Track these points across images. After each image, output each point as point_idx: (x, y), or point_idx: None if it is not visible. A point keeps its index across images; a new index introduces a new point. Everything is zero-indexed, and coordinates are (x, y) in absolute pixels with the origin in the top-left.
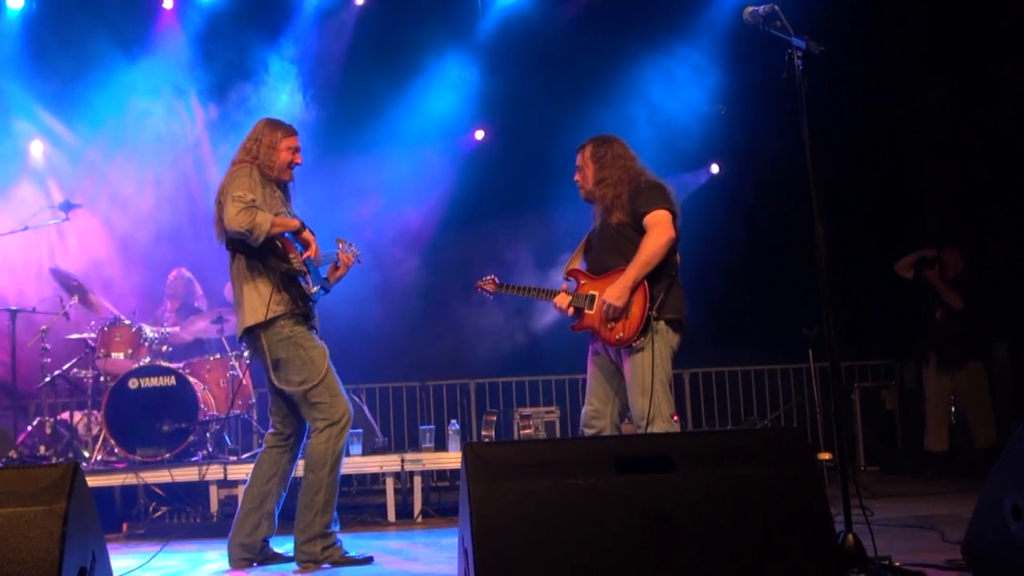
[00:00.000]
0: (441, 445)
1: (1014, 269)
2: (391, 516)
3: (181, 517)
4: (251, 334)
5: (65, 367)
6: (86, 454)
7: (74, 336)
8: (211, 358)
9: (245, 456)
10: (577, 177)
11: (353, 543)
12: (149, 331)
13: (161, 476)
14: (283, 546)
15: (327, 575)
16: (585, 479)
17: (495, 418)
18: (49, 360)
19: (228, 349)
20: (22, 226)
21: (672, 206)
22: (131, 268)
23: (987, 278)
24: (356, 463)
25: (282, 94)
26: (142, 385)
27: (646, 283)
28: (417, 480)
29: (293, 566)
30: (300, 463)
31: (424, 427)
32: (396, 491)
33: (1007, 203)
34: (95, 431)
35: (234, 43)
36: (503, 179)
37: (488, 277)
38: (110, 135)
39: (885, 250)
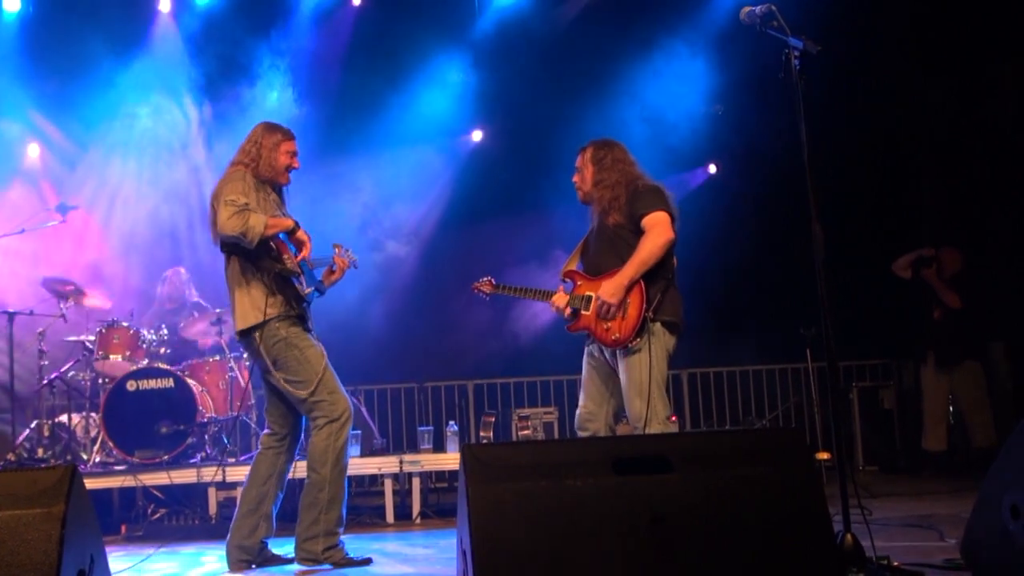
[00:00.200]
0: (439, 446)
1: (1012, 268)
2: (389, 517)
3: (179, 519)
4: (247, 336)
5: (63, 369)
6: (84, 456)
7: (72, 338)
8: (210, 360)
9: (243, 458)
10: (575, 178)
11: (351, 544)
12: (147, 333)
13: (159, 478)
14: (282, 548)
15: None
16: (583, 480)
17: (493, 419)
18: (47, 362)
19: (227, 351)
20: (19, 228)
21: (671, 209)
22: (129, 270)
23: (985, 277)
24: (354, 464)
25: (279, 95)
26: (140, 387)
27: (643, 284)
28: (415, 481)
29: (292, 568)
30: (299, 464)
31: (422, 428)
32: (394, 492)
33: (1006, 203)
34: (93, 433)
35: (230, 45)
36: (501, 180)
37: (485, 279)
38: (107, 136)
39: (883, 250)
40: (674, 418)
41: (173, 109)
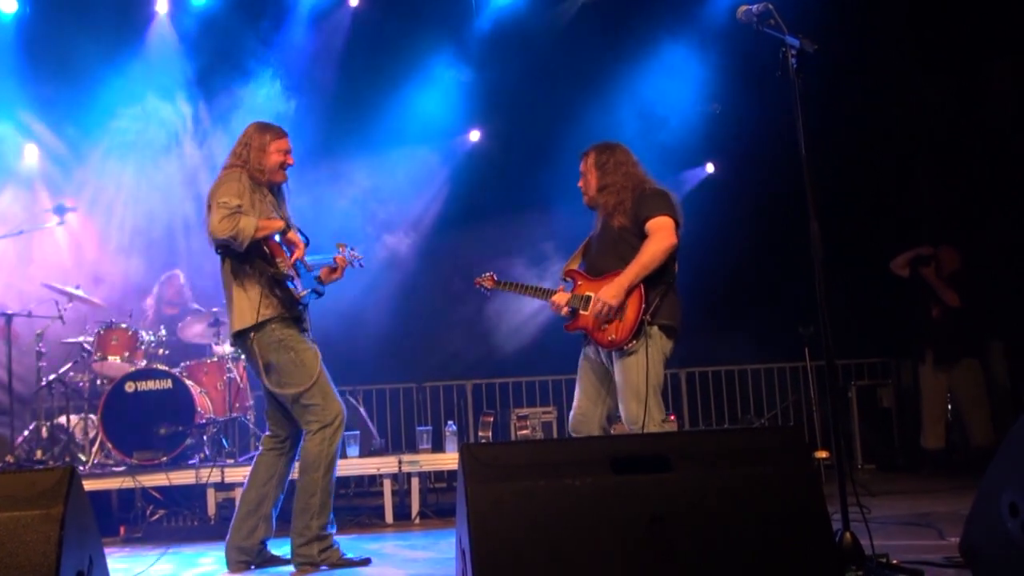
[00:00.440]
0: (438, 446)
1: (1010, 267)
2: (388, 518)
3: (178, 520)
4: (242, 338)
5: (61, 370)
6: (83, 458)
7: (70, 340)
8: (208, 361)
9: (242, 459)
10: (580, 184)
11: (350, 545)
12: (145, 334)
13: (158, 479)
14: (281, 549)
15: None
16: (582, 479)
17: (492, 419)
18: (45, 364)
19: (226, 352)
20: (17, 230)
21: (676, 214)
22: (126, 271)
23: (983, 276)
24: (353, 465)
25: (277, 97)
26: (139, 388)
27: (642, 287)
28: (414, 481)
29: (291, 569)
30: (296, 466)
31: (421, 428)
32: (393, 493)
33: (1004, 201)
34: (92, 435)
35: (227, 46)
36: (499, 180)
37: (487, 274)
38: (105, 138)
39: (881, 248)
40: (672, 417)
41: (170, 110)
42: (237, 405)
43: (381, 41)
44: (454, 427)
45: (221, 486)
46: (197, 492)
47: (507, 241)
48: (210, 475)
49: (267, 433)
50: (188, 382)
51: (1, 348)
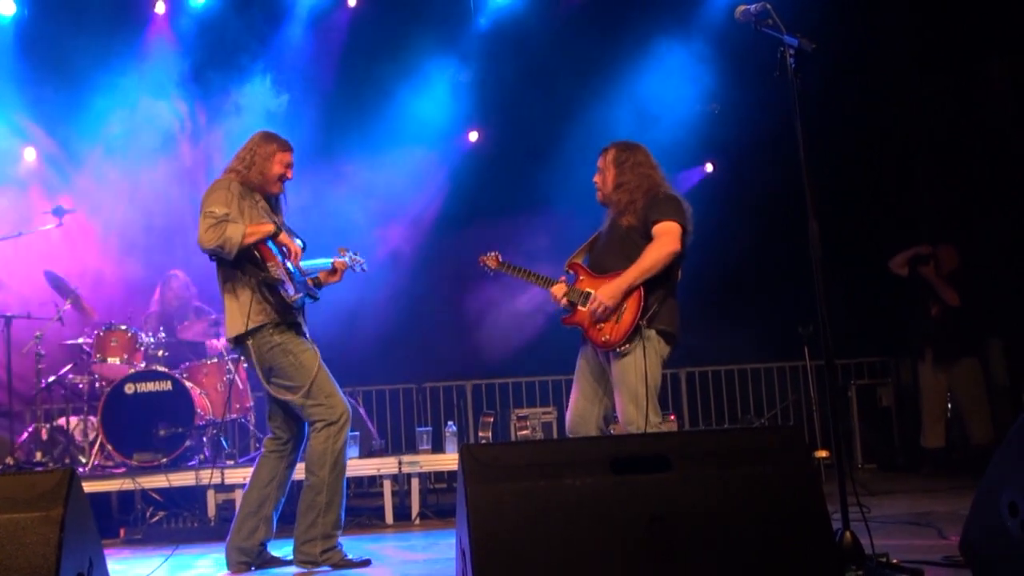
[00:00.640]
0: (438, 447)
1: (1009, 266)
2: (389, 518)
3: (178, 522)
4: (240, 343)
5: (61, 372)
6: (83, 459)
7: (69, 341)
8: (208, 362)
9: (242, 460)
10: (596, 179)
11: (351, 546)
12: (145, 336)
13: (158, 481)
14: (281, 550)
15: None
16: (582, 479)
17: (492, 419)
18: (44, 366)
19: (225, 353)
20: (16, 232)
21: (685, 222)
22: (126, 273)
23: (982, 275)
24: (353, 466)
25: (275, 98)
26: (138, 390)
27: (642, 291)
28: (414, 482)
29: (291, 570)
30: (300, 465)
31: (421, 429)
32: (393, 493)
33: (1003, 200)
34: (91, 436)
35: (226, 48)
36: (497, 180)
37: (492, 253)
38: (103, 140)
39: (880, 247)
40: (672, 417)
41: (169, 112)
42: (237, 406)
43: (379, 41)
44: (454, 428)
45: (221, 487)
46: (197, 494)
47: (507, 241)
48: (210, 476)
49: (269, 435)
50: (188, 383)
51: (0, 349)
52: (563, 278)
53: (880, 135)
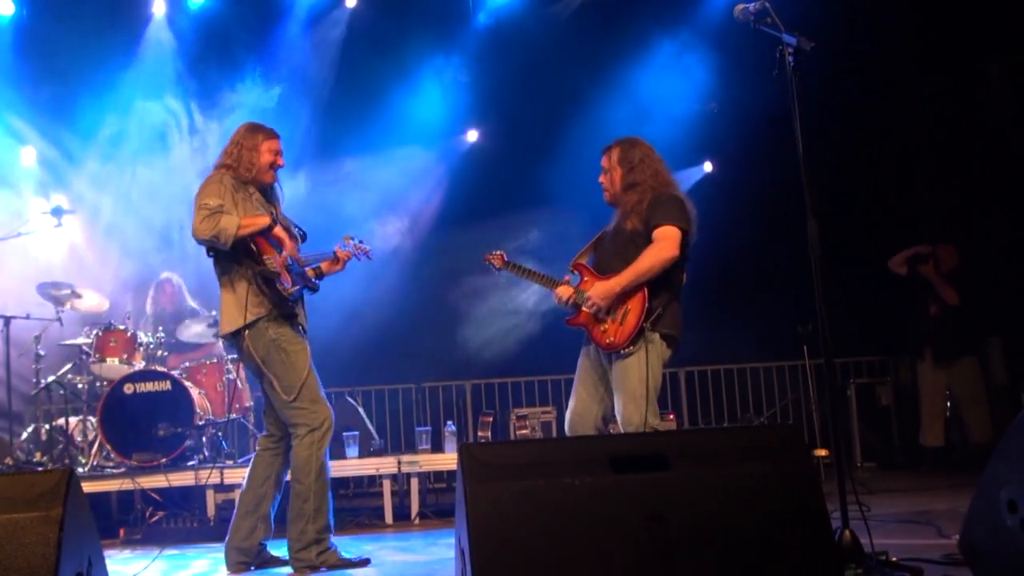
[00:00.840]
0: (437, 446)
1: (1009, 265)
2: (388, 518)
3: (178, 522)
4: (235, 338)
5: (60, 373)
6: (82, 460)
7: (68, 342)
8: (207, 362)
9: (242, 460)
10: (603, 179)
11: (350, 545)
12: (144, 336)
13: (157, 481)
14: (280, 549)
15: None
16: (581, 479)
17: (491, 419)
18: (43, 366)
19: (224, 353)
20: (15, 232)
21: (687, 226)
22: (125, 273)
23: (982, 274)
24: (353, 465)
25: (273, 98)
26: (138, 390)
27: (647, 294)
28: (414, 482)
29: (290, 570)
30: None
31: (420, 429)
32: (393, 493)
33: (1003, 200)
34: (91, 436)
35: (225, 48)
36: (497, 180)
37: (497, 252)
38: (102, 140)
39: (879, 247)
40: (671, 416)
41: (168, 113)
42: (236, 406)
43: (378, 40)
44: (453, 427)
45: (220, 487)
46: (196, 493)
47: (506, 240)
48: (209, 476)
49: (264, 432)
50: (187, 383)
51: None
52: (567, 278)
53: (880, 135)
